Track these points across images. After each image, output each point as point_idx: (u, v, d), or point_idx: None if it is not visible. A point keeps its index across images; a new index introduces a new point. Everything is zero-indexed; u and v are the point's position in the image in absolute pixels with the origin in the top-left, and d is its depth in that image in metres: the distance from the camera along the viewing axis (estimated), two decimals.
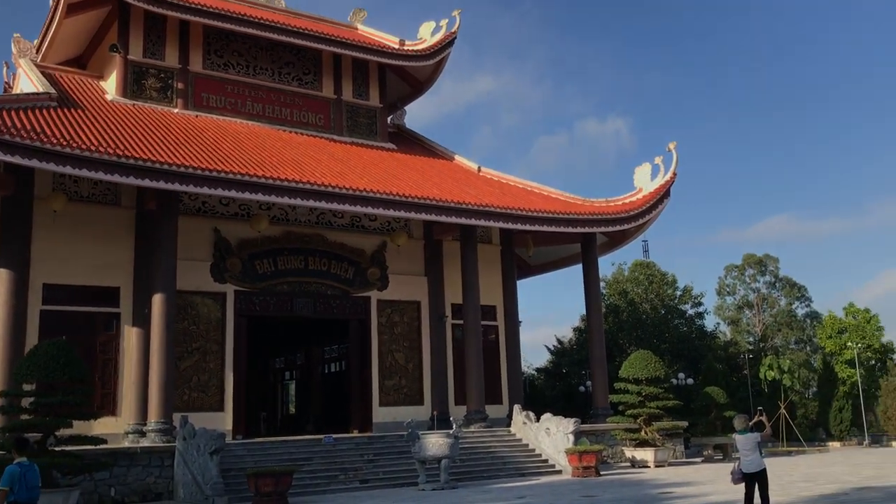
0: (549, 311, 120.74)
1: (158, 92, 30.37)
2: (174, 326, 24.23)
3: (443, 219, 28.29)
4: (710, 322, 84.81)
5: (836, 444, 41.94)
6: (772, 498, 16.19)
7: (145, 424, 23.20)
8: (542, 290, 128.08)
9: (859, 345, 45.16)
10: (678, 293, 57.70)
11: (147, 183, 22.67)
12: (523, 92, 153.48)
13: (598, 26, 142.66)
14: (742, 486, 12.49)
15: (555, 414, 28.11)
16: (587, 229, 32.46)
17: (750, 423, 12.69)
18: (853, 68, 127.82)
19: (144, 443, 22.44)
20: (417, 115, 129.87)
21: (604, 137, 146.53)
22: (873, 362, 47.24)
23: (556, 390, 50.82)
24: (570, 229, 31.81)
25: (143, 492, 20.81)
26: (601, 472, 24.85)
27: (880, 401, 41.79)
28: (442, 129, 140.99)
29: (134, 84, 29.96)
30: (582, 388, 45.44)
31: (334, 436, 25.07)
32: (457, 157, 37.53)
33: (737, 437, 12.50)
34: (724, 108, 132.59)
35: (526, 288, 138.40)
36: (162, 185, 22.87)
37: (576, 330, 55.24)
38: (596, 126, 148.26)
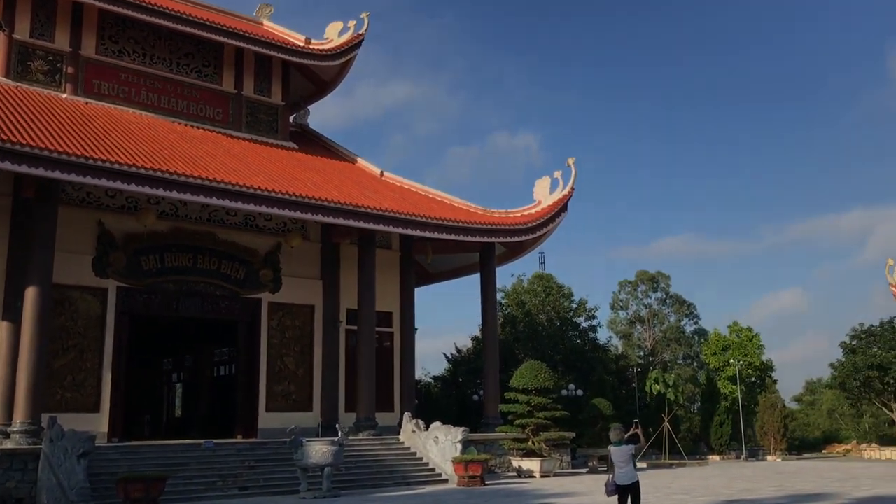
0: (452, 320, 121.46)
1: (46, 75, 28.84)
2: (49, 322, 22.86)
3: (340, 222, 27.84)
4: (603, 335, 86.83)
5: (716, 458, 43.44)
6: None
7: (10, 425, 21.79)
8: (447, 298, 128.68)
9: (741, 362, 47.01)
10: (573, 306, 58.75)
11: (24, 169, 21.32)
12: (440, 101, 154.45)
13: (517, 42, 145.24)
14: (615, 498, 12.55)
15: (449, 423, 28.07)
16: (486, 239, 32.59)
17: (625, 436, 12.78)
18: (758, 100, 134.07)
19: (7, 444, 21.06)
20: (330, 117, 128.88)
21: (515, 151, 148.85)
22: (754, 379, 49.24)
23: (451, 399, 50.80)
24: (469, 238, 31.85)
25: (3, 497, 19.52)
26: (487, 482, 24.89)
27: (758, 416, 43.55)
28: (356, 133, 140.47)
29: (19, 65, 28.33)
30: (476, 397, 45.57)
31: (215, 441, 24.23)
32: (360, 161, 37.13)
33: (612, 448, 12.57)
34: (635, 128, 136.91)
35: (430, 295, 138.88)
36: (41, 172, 21.55)
37: (473, 339, 55.43)
38: (508, 140, 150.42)
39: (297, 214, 26.54)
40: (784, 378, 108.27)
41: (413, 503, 19.06)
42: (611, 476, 12.39)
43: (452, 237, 31.04)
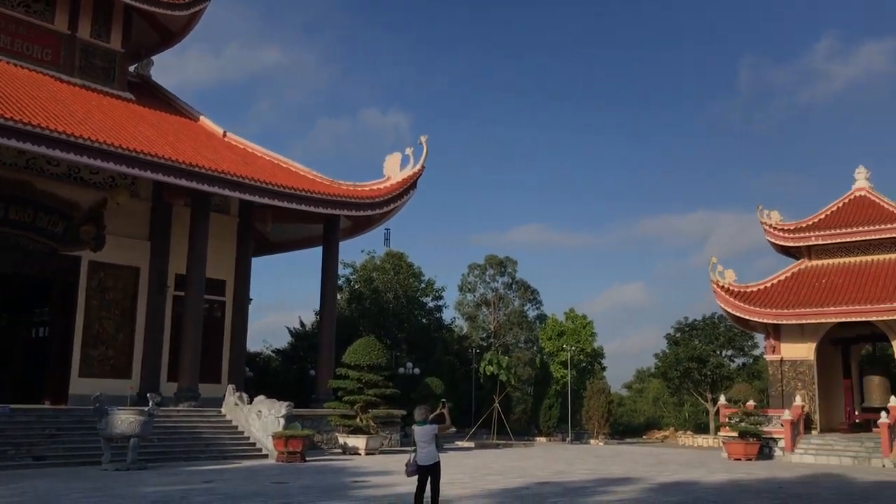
0: (301, 293, 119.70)
1: None
2: None
3: (171, 180, 26.29)
4: (449, 316, 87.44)
5: (543, 440, 44.87)
6: (457, 491, 16.54)
7: None
8: (298, 271, 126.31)
9: (574, 347, 48.70)
10: (422, 286, 58.96)
11: None
12: (311, 70, 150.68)
13: (394, 19, 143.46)
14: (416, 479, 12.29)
15: (287, 398, 27.31)
16: (330, 211, 31.86)
17: (431, 416, 12.55)
18: (620, 96, 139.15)
19: None
20: (192, 75, 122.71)
21: (385, 130, 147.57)
22: (585, 365, 51.19)
23: (291, 374, 49.79)
24: (312, 209, 31.01)
25: None
26: (309, 459, 24.37)
27: (585, 401, 45.33)
28: (219, 94, 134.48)
29: None
30: (313, 373, 44.85)
31: (13, 406, 22.35)
32: (202, 119, 35.35)
33: (416, 428, 12.30)
34: (506, 117, 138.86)
35: (279, 267, 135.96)
36: None
37: (317, 313, 54.52)
38: (379, 117, 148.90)
39: (123, 169, 24.83)
40: (620, 366, 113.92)
41: (219, 477, 18.25)
42: (412, 456, 12.12)
43: (294, 206, 30.11)
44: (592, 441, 44.15)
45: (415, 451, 12.12)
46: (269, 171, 31.33)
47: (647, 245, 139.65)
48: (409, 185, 34.61)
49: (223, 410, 27.18)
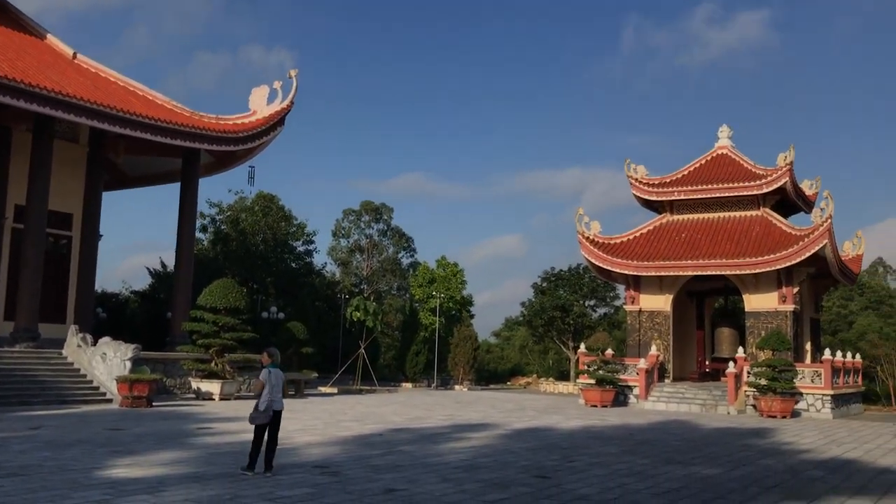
0: (170, 233, 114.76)
1: None
2: None
3: (8, 100, 23.89)
4: (321, 261, 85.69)
5: (409, 386, 44.89)
6: (306, 439, 15.89)
7: None
8: (168, 210, 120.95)
9: (443, 295, 48.69)
10: (292, 229, 57.37)
11: None
12: (190, 0, 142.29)
13: None
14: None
15: (141, 341, 25.74)
16: (189, 144, 30.01)
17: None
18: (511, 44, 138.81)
19: None
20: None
21: (268, 67, 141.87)
22: (454, 312, 51.33)
23: (149, 316, 47.48)
24: (169, 140, 29.13)
25: None
26: (157, 404, 23.13)
27: (452, 348, 45.54)
28: (92, 19, 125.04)
29: None
30: (170, 315, 42.89)
31: None
32: (50, 38, 32.39)
33: (272, 371, 11.38)
34: (394, 62, 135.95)
35: (147, 205, 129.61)
36: None
37: None
38: (262, 54, 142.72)
39: None
40: (493, 315, 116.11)
41: (50, 423, 16.88)
42: (265, 401, 11.19)
43: (148, 136, 28.14)
44: (457, 387, 44.50)
45: (268, 396, 11.17)
46: (123, 98, 29.11)
47: (524, 199, 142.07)
48: (277, 121, 33.09)
49: (65, 352, 25.40)
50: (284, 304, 47.33)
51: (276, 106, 33.13)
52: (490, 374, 59.27)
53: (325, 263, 69.19)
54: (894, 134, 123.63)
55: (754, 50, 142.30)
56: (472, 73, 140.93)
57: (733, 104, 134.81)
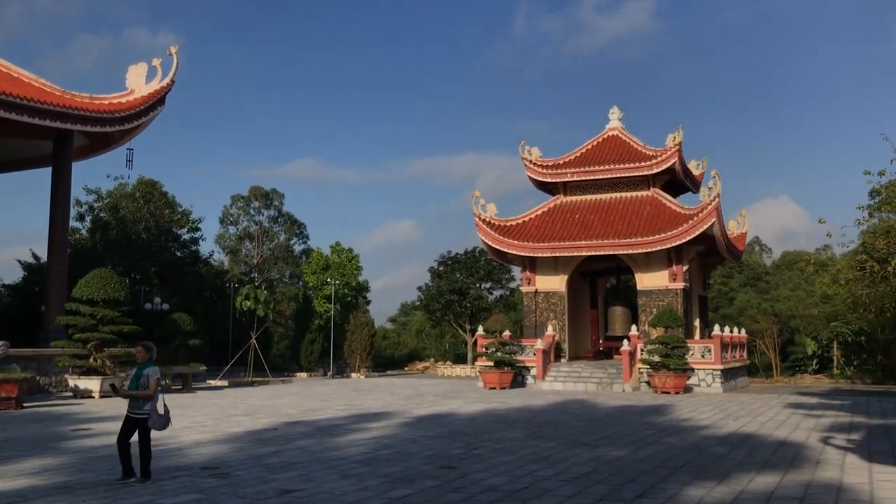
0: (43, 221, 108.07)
1: None
2: None
3: None
4: (208, 249, 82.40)
5: (304, 376, 43.69)
6: (194, 437, 14.80)
7: None
8: (38, 196, 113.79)
9: (338, 281, 47.60)
10: (177, 217, 54.82)
11: None
12: None
13: None
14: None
15: (12, 337, 23.59)
16: (60, 124, 27.86)
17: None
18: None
19: None
20: None
21: (153, 51, 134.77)
22: (349, 299, 50.33)
23: (23, 310, 44.35)
24: (37, 121, 26.89)
25: None
26: (29, 405, 21.39)
27: (348, 335, 44.59)
28: None
29: None
30: (44, 308, 40.17)
31: None
32: None
33: (159, 371, 10.27)
34: (287, 47, 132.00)
35: (28, 195, 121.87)
36: None
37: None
38: (147, 37, 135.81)
39: None
40: (390, 301, 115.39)
41: None
42: (160, 404, 10.05)
43: (13, 116, 25.88)
44: (354, 375, 43.64)
45: (160, 399, 10.06)
46: None
47: (419, 184, 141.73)
48: (157, 101, 31.21)
49: None
50: (169, 295, 45.15)
51: (156, 84, 31.24)
52: (387, 360, 58.64)
53: (213, 252, 66.84)
54: (769, 118, 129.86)
55: (641, 37, 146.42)
56: (367, 58, 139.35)
57: (624, 89, 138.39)
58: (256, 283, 56.29)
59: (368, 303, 51.32)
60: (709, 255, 34.70)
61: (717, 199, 30.51)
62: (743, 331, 36.61)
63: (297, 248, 73.79)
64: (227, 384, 33.17)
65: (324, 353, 46.17)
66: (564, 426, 16.76)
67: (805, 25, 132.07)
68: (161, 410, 10.03)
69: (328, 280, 47.39)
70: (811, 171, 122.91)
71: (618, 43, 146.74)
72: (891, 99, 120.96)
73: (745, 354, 36.61)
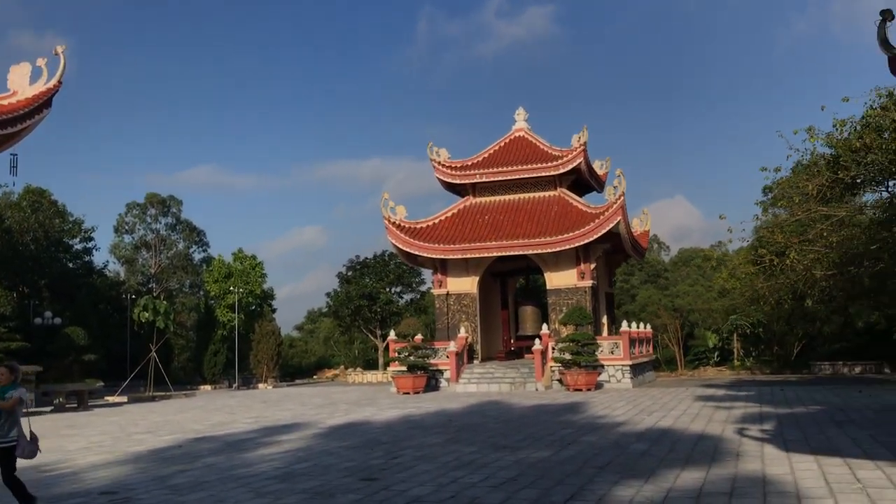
0: None
1: None
2: None
3: None
4: (102, 259, 78.97)
5: (208, 388, 42.17)
6: (91, 459, 13.76)
7: None
8: None
9: (242, 289, 46.20)
10: (68, 226, 52.12)
11: None
12: None
13: None
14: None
15: None
16: None
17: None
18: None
19: None
20: None
21: (41, 53, 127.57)
22: (254, 307, 48.93)
23: None
24: None
25: None
26: None
27: (253, 345, 43.28)
28: None
29: None
30: None
31: None
32: None
33: (25, 392, 9.28)
34: (182, 50, 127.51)
35: None
36: None
37: None
38: (32, 40, 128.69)
39: None
40: (296, 309, 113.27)
41: None
42: (28, 430, 9.09)
43: None
44: (261, 385, 42.39)
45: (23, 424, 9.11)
46: None
47: (325, 189, 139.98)
48: (42, 103, 29.29)
49: None
50: (62, 309, 42.81)
51: (41, 86, 29.34)
52: (295, 369, 57.35)
53: (108, 262, 63.96)
54: (663, 121, 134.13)
55: (543, 41, 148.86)
56: (270, 62, 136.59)
57: (527, 92, 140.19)
58: (155, 294, 54.14)
59: (274, 311, 50.08)
60: (615, 252, 35.23)
61: (622, 198, 30.97)
62: (648, 326, 37.33)
63: (197, 256, 71.43)
64: (126, 400, 31.56)
65: (228, 365, 44.70)
66: (483, 429, 16.45)
67: (698, 30, 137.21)
68: (28, 437, 9.06)
69: (231, 288, 45.94)
70: (703, 171, 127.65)
71: (520, 47, 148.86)
72: (778, 99, 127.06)
73: (650, 349, 37.36)
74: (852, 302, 30.39)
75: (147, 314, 33.91)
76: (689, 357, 47.11)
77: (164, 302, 37.22)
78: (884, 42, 13.94)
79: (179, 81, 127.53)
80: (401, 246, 33.86)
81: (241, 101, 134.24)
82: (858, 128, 27.81)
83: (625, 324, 31.53)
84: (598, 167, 37.68)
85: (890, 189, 28.75)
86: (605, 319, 36.04)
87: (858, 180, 28.79)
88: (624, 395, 25.79)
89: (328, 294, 50.94)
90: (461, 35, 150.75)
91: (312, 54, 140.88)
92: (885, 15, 13.93)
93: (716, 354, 47.64)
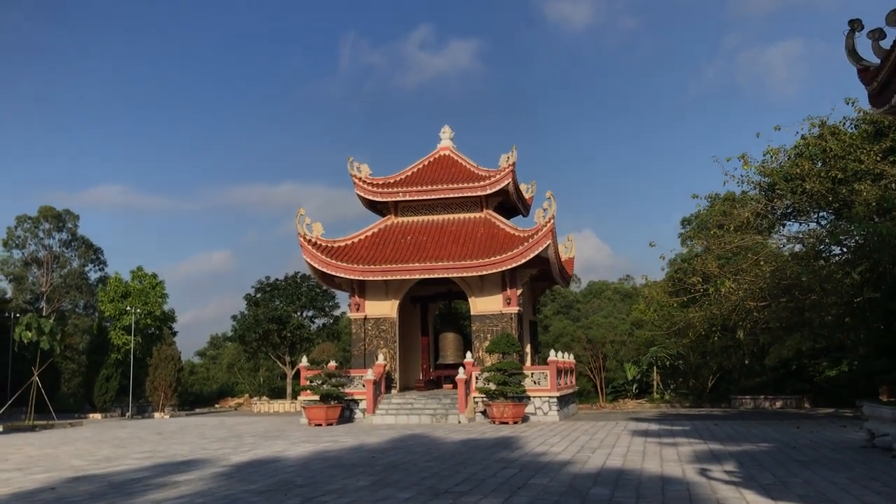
0: None
1: None
2: None
3: None
4: None
5: (98, 416, 38.58)
6: None
7: None
8: None
9: (140, 310, 42.79)
10: None
11: None
12: None
13: None
14: None
15: None
16: None
17: None
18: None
19: None
20: None
21: None
22: (152, 330, 45.46)
23: None
24: None
25: None
26: None
27: (151, 370, 39.90)
28: None
29: None
30: None
31: None
32: None
33: None
34: (89, 66, 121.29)
35: None
36: None
37: None
38: None
39: None
40: (200, 334, 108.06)
41: None
42: None
43: None
44: (157, 414, 39.04)
45: None
46: None
47: (235, 213, 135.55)
48: None
49: None
50: None
51: None
52: (195, 396, 53.75)
53: None
54: (576, 158, 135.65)
55: (465, 75, 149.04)
56: (184, 83, 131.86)
57: (450, 122, 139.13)
58: (45, 314, 49.89)
59: (175, 334, 46.55)
60: (541, 279, 33.90)
61: (552, 221, 29.67)
62: (571, 356, 36.06)
63: (94, 275, 67.01)
64: (1, 428, 28.04)
65: (122, 391, 41.11)
66: (414, 468, 14.45)
67: (615, 68, 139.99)
68: None
69: (128, 308, 42.48)
70: (612, 208, 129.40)
71: (442, 80, 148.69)
72: (686, 139, 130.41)
73: (574, 381, 36.06)
74: (790, 333, 29.79)
75: (30, 334, 30.44)
76: (608, 389, 46.18)
77: (50, 321, 33.67)
78: (852, 53, 13.00)
79: (86, 99, 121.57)
80: (316, 266, 31.58)
81: (152, 122, 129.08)
82: (792, 156, 27.46)
83: (553, 353, 30.08)
84: (525, 190, 36.43)
85: (822, 220, 28.44)
86: (528, 348, 34.56)
87: (789, 210, 28.43)
88: (554, 428, 24.19)
89: (234, 317, 47.81)
90: (384, 65, 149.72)
91: (232, 78, 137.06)
92: (853, 25, 12.95)
93: (634, 387, 46.88)
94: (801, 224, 28.98)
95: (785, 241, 27.41)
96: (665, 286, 44.19)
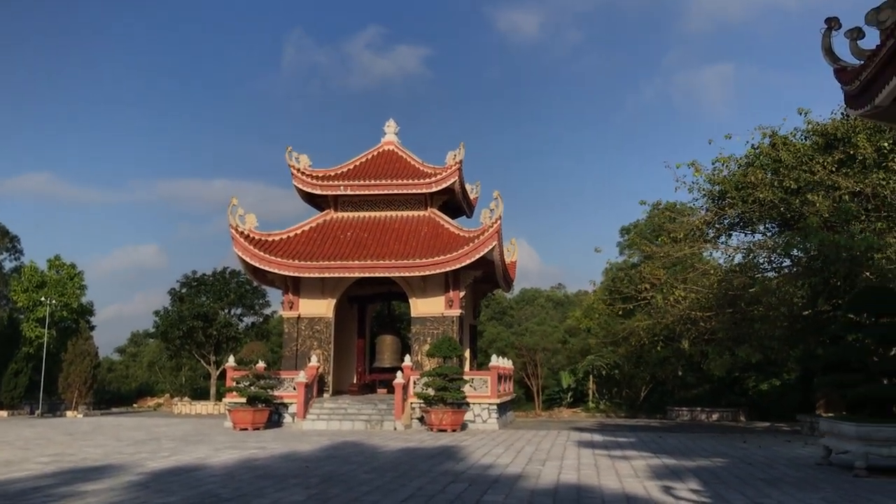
0: None
1: None
2: None
3: None
4: None
5: (4, 414, 35.94)
6: None
7: None
8: None
9: (55, 301, 40.21)
10: None
11: None
12: None
13: None
14: None
15: None
16: None
17: None
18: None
19: None
20: None
21: None
22: (68, 323, 42.82)
23: None
24: None
25: None
26: None
27: (64, 366, 37.39)
28: None
29: None
30: None
31: None
32: None
33: None
34: (25, 56, 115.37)
35: None
36: None
37: None
38: None
39: None
40: (121, 330, 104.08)
41: None
42: None
43: None
44: (70, 413, 36.58)
45: None
46: None
47: (165, 207, 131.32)
48: None
49: None
50: None
51: None
52: (113, 395, 50.93)
53: None
54: (516, 167, 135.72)
55: (411, 79, 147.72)
56: (119, 74, 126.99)
57: (395, 121, 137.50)
58: None
59: (92, 328, 43.89)
60: (484, 281, 32.87)
61: (498, 222, 28.67)
62: (509, 362, 35.13)
63: (8, 265, 63.33)
64: None
65: (32, 387, 38.45)
66: (353, 481, 13.13)
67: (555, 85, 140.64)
68: None
69: (42, 299, 39.84)
70: (543, 216, 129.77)
71: (387, 83, 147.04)
72: (624, 153, 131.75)
73: (511, 387, 35.15)
74: (738, 344, 29.40)
75: None
76: (543, 397, 45.47)
77: None
78: (828, 52, 12.37)
79: (10, 84, 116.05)
80: (248, 260, 29.84)
81: (83, 112, 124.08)
82: (743, 164, 27.06)
83: (494, 357, 29.06)
84: (470, 191, 35.40)
85: (769, 231, 28.14)
86: (467, 353, 33.49)
87: (737, 220, 28.04)
88: (495, 437, 23.13)
89: (156, 312, 45.40)
90: (329, 64, 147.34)
91: (171, 70, 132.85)
92: (830, 23, 12.31)
93: (569, 395, 46.32)
94: (746, 234, 28.65)
95: (732, 251, 26.94)
96: (602, 294, 43.87)
